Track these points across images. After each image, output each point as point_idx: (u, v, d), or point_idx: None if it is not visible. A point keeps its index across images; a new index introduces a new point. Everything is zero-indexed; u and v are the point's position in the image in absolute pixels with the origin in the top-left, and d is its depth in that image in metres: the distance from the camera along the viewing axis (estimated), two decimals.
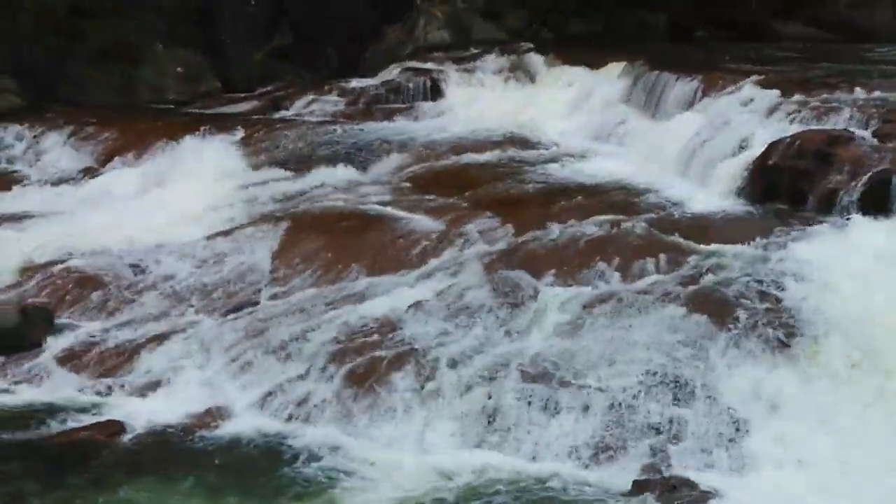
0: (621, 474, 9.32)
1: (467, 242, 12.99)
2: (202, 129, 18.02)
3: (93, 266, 13.42)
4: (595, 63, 19.19)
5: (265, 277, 12.97)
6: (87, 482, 9.37)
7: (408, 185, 15.53)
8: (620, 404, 9.82)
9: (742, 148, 14.20)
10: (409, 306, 11.48)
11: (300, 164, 16.69)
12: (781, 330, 10.19)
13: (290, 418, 10.37)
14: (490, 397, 10.04)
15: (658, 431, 9.60)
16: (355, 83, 20.41)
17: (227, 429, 10.26)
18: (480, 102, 19.31)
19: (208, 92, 21.18)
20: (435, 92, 19.80)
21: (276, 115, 19.63)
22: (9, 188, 17.12)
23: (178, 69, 21.03)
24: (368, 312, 11.55)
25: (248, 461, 9.72)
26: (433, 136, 17.66)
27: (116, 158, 17.73)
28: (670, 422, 9.63)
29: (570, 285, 11.61)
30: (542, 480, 9.31)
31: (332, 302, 11.97)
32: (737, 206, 13.47)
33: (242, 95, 21.17)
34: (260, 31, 21.61)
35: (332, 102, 19.94)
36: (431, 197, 14.68)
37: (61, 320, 12.36)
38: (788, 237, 12.05)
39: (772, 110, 14.69)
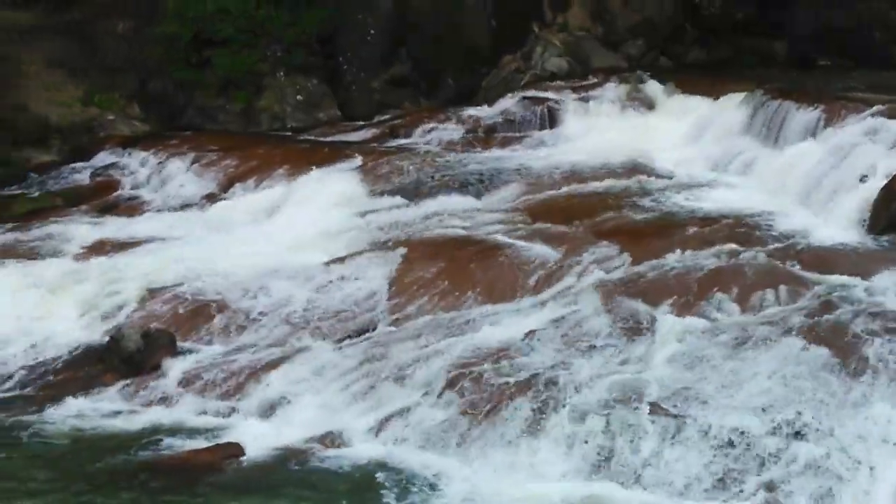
0: None
1: (584, 271, 12.94)
2: (321, 156, 18.23)
3: (214, 290, 13.62)
4: (714, 92, 18.97)
5: (382, 303, 13.04)
6: (199, 502, 9.51)
7: (524, 213, 15.49)
8: (739, 437, 9.67)
9: (865, 179, 13.93)
10: (525, 334, 11.46)
11: (417, 191, 16.76)
12: None
13: (404, 444, 10.40)
14: (606, 427, 9.96)
15: (777, 466, 9.43)
16: (472, 111, 20.43)
17: (342, 453, 10.33)
18: (597, 131, 19.18)
19: (327, 119, 21.38)
20: (552, 120, 19.75)
21: (394, 143, 19.73)
22: (134, 213, 17.47)
23: (299, 97, 21.28)
24: (484, 340, 11.55)
25: (363, 486, 9.77)
26: (550, 165, 17.60)
27: (237, 185, 17.98)
28: (790, 457, 9.45)
29: (689, 315, 11.49)
30: None
31: (448, 329, 12.01)
32: (859, 237, 13.22)
33: (361, 123, 21.31)
34: (379, 60, 21.76)
35: (449, 131, 19.98)
36: (547, 225, 14.63)
37: (183, 343, 12.57)
38: None
39: None
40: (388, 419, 10.69)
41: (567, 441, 9.98)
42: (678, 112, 19.19)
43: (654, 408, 10.03)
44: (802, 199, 14.58)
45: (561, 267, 13.11)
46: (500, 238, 14.25)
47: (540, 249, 13.63)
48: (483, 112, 20.33)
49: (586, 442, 9.88)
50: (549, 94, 20.48)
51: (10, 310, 13.57)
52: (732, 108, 18.11)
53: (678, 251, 12.89)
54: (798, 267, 12.24)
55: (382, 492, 9.65)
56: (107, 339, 12.58)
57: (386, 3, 21.80)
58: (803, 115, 16.41)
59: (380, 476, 9.90)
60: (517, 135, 19.51)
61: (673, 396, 10.13)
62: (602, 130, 19.22)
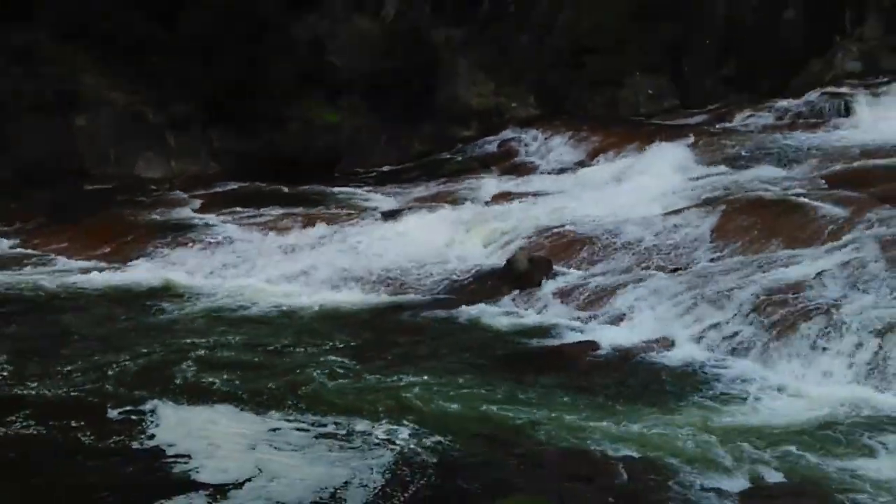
0: None
1: (868, 227, 12.14)
2: (663, 135, 17.93)
3: (581, 231, 13.73)
4: None
5: (706, 245, 12.76)
6: (568, 379, 9.72)
7: (822, 181, 14.67)
8: None
9: None
10: (817, 273, 10.94)
11: (737, 162, 16.21)
12: None
13: (718, 349, 10.21)
14: (880, 347, 9.40)
15: None
16: (783, 103, 19.43)
17: (672, 354, 10.28)
18: (886, 120, 17.81)
19: (670, 108, 20.97)
20: (847, 111, 18.52)
21: (720, 126, 19.10)
22: (527, 174, 17.84)
23: (649, 90, 20.97)
24: (784, 276, 11.11)
25: (687, 376, 9.70)
26: (845, 145, 16.56)
27: (601, 155, 17.97)
28: None
29: None
30: None
31: (756, 267, 11.61)
32: None
33: (695, 111, 20.75)
34: (712, 62, 21.08)
35: (764, 117, 19.13)
36: (840, 191, 13.77)
37: (558, 268, 12.76)
38: None
39: None
40: (706, 330, 10.51)
41: (847, 356, 9.50)
42: None
43: None
44: None
45: (849, 223, 12.35)
46: (801, 199, 13.55)
47: (833, 209, 12.89)
48: (791, 103, 19.33)
49: (863, 357, 9.38)
50: (846, 90, 19.22)
51: (440, 238, 14.23)
52: None
53: None
54: None
55: (702, 380, 9.57)
56: (504, 262, 12.97)
57: (719, 20, 21.04)
58: None
59: (700, 370, 9.83)
60: (819, 121, 18.44)
61: None
62: (890, 119, 17.83)
